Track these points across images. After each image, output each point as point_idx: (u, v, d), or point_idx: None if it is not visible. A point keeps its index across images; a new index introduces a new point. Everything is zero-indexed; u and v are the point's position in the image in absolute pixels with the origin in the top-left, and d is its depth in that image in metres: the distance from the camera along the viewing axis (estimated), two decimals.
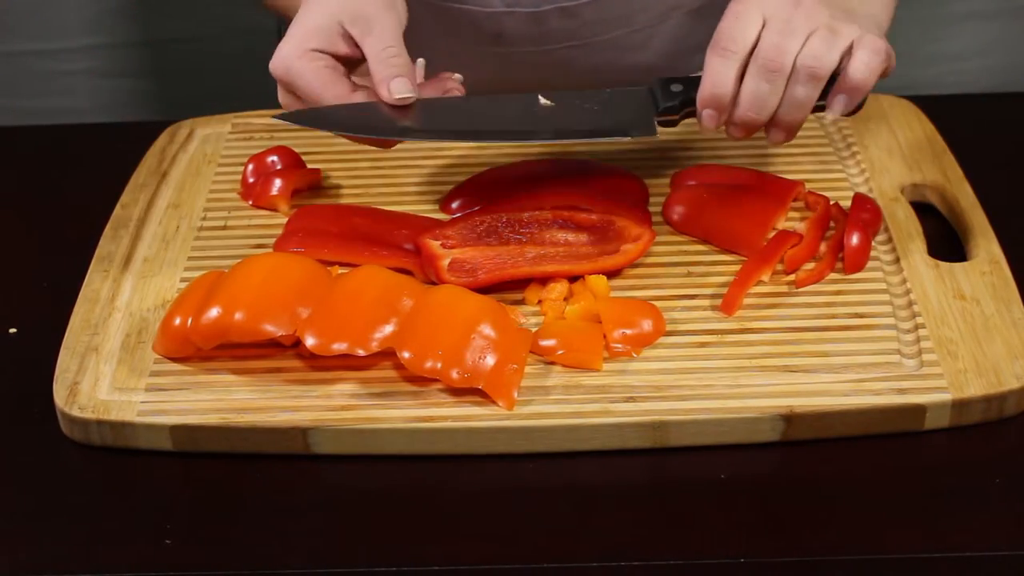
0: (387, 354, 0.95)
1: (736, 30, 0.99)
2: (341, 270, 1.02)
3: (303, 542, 0.87)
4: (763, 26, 0.99)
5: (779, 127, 1.02)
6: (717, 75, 0.99)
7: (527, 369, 0.95)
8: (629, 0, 1.20)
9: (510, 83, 1.24)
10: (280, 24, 1.39)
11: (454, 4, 1.20)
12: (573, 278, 1.02)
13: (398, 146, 1.20)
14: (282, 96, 1.03)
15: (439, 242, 1.03)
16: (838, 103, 1.01)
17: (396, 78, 1.00)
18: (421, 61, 1.07)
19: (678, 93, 1.04)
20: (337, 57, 1.01)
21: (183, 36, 1.72)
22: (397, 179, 1.16)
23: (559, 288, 1.01)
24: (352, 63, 1.03)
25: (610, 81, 1.25)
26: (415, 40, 1.24)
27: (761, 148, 1.18)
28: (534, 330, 0.98)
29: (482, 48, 1.22)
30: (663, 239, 1.07)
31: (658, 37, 1.22)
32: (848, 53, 1.00)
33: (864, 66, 1.00)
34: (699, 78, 1.02)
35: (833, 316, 0.99)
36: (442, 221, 1.08)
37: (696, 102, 1.02)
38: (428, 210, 1.12)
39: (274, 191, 1.12)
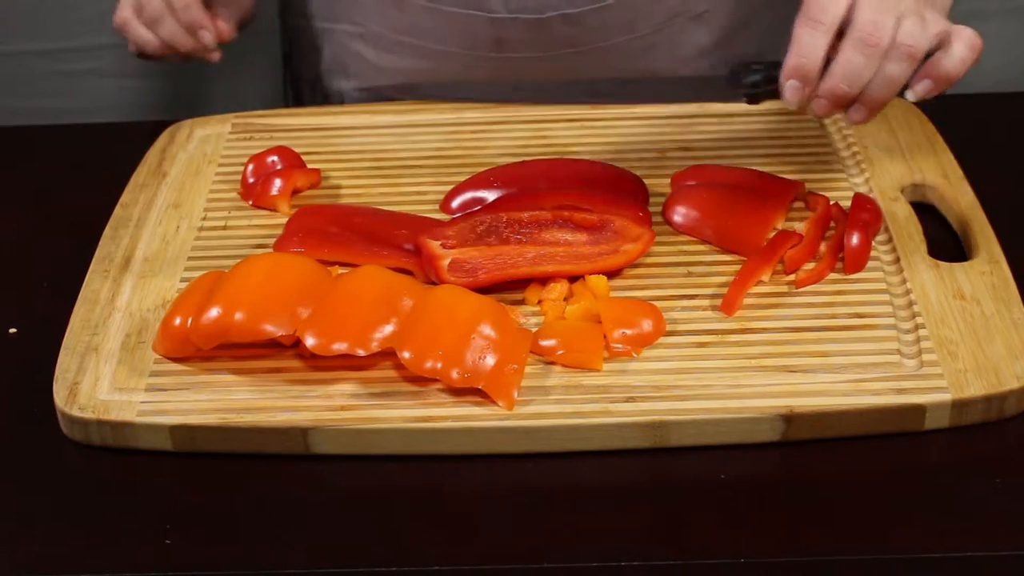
0: (387, 354, 0.95)
1: (826, 1, 0.98)
2: (341, 270, 1.02)
3: (303, 542, 0.87)
4: (853, 2, 0.98)
5: (864, 104, 1.01)
6: (806, 46, 0.98)
7: (527, 369, 0.95)
8: (631, 7, 1.20)
9: (511, 87, 1.24)
10: (283, 24, 1.39)
11: (456, 8, 1.20)
12: (573, 278, 1.02)
13: (398, 146, 1.20)
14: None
15: (439, 242, 1.03)
16: (923, 87, 1.01)
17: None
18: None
19: (759, 70, 1.03)
20: None
21: None
22: (397, 179, 1.16)
23: (559, 288, 1.01)
24: None
25: (612, 87, 1.25)
26: (417, 44, 1.24)
27: (761, 148, 1.18)
28: (534, 330, 0.98)
29: (484, 53, 1.22)
30: (663, 239, 1.07)
31: (660, 43, 1.22)
32: (941, 40, 0.99)
33: (959, 60, 0.99)
34: (777, 63, 1.01)
35: (833, 316, 0.99)
36: (442, 221, 1.08)
37: (780, 76, 1.00)
38: (428, 210, 1.12)
39: (274, 191, 1.12)
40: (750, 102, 1.04)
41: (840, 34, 0.98)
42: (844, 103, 1.00)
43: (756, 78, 1.03)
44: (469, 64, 1.23)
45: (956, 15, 1.02)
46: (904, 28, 0.98)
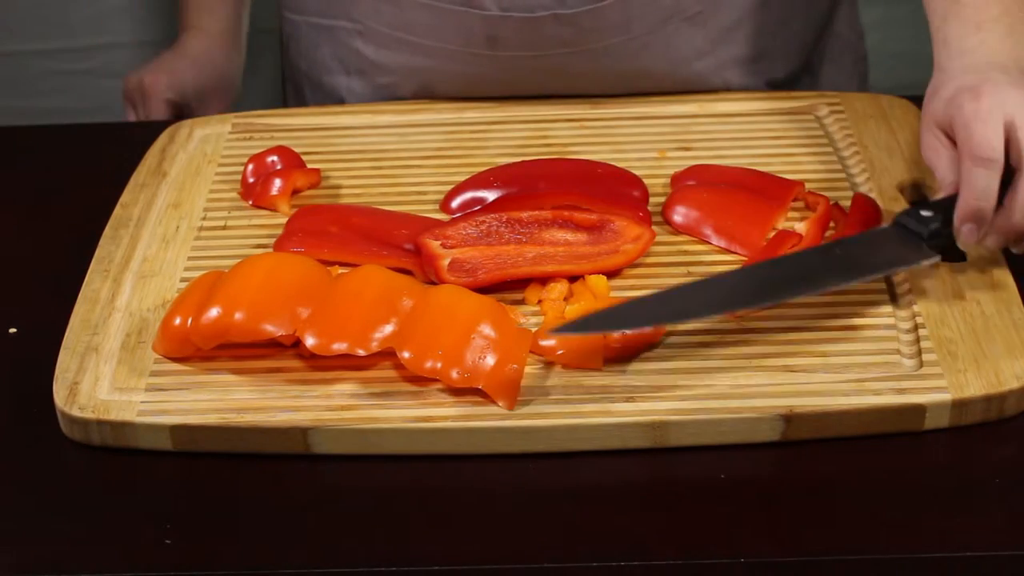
0: (387, 354, 0.95)
1: (986, 135, 0.95)
2: (341, 270, 1.02)
3: (303, 542, 0.87)
4: (1011, 125, 0.95)
5: None
6: (980, 188, 0.95)
7: (527, 369, 0.95)
8: (625, 8, 1.20)
9: (505, 86, 1.24)
10: (280, 22, 1.39)
11: (450, 5, 1.20)
12: (573, 278, 1.02)
13: (398, 146, 1.20)
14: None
15: (439, 242, 1.03)
16: None
17: None
18: None
19: (933, 219, 0.99)
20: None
21: None
22: (397, 179, 1.16)
23: (559, 288, 1.01)
24: None
25: (607, 87, 1.24)
26: (414, 41, 1.24)
27: (761, 148, 1.18)
28: (534, 330, 0.98)
29: (478, 51, 1.22)
30: (663, 239, 1.07)
31: (655, 44, 1.22)
32: None
33: None
34: (944, 200, 0.99)
35: (833, 316, 0.99)
36: (442, 221, 1.08)
37: (955, 219, 0.97)
38: (428, 210, 1.12)
39: (274, 191, 1.12)
40: (946, 259, 1.00)
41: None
42: (1019, 236, 0.98)
43: (936, 226, 0.99)
44: (465, 61, 1.23)
45: None
46: None
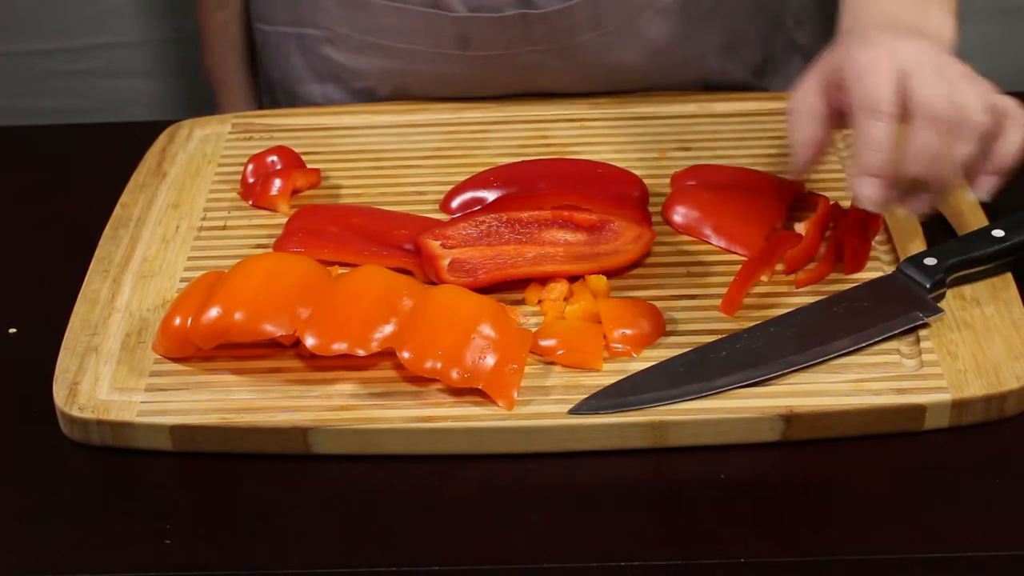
0: (387, 354, 0.95)
1: (874, 85, 0.93)
2: (341, 270, 1.02)
3: (303, 542, 0.87)
4: (902, 76, 0.93)
5: (934, 190, 0.96)
6: (876, 140, 0.93)
7: (527, 369, 0.95)
8: (595, 5, 1.19)
9: (479, 85, 1.24)
10: (250, 32, 1.39)
11: (418, 7, 1.20)
12: (573, 278, 1.02)
13: (398, 146, 1.20)
14: None
15: (439, 242, 1.03)
16: (989, 183, 0.97)
17: None
18: None
19: (934, 267, 0.99)
20: None
21: (183, 36, 1.72)
22: (397, 179, 1.16)
23: (559, 288, 1.01)
24: None
25: (583, 82, 1.24)
26: (384, 44, 1.24)
27: (761, 148, 1.18)
28: (534, 330, 0.98)
29: (449, 51, 1.22)
30: (663, 239, 1.07)
31: (629, 38, 1.21)
32: (995, 117, 0.95)
33: (1015, 145, 0.96)
34: (946, 246, 0.99)
35: None
36: (442, 221, 1.08)
37: (852, 179, 0.95)
38: (428, 210, 1.12)
39: (274, 191, 1.12)
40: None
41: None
42: (916, 189, 0.95)
43: (940, 276, 0.99)
44: (437, 62, 1.22)
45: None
46: (965, 101, 0.93)
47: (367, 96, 1.28)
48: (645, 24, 1.21)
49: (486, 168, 1.15)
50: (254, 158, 1.16)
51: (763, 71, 1.31)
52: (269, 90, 1.38)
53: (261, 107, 1.42)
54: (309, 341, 0.94)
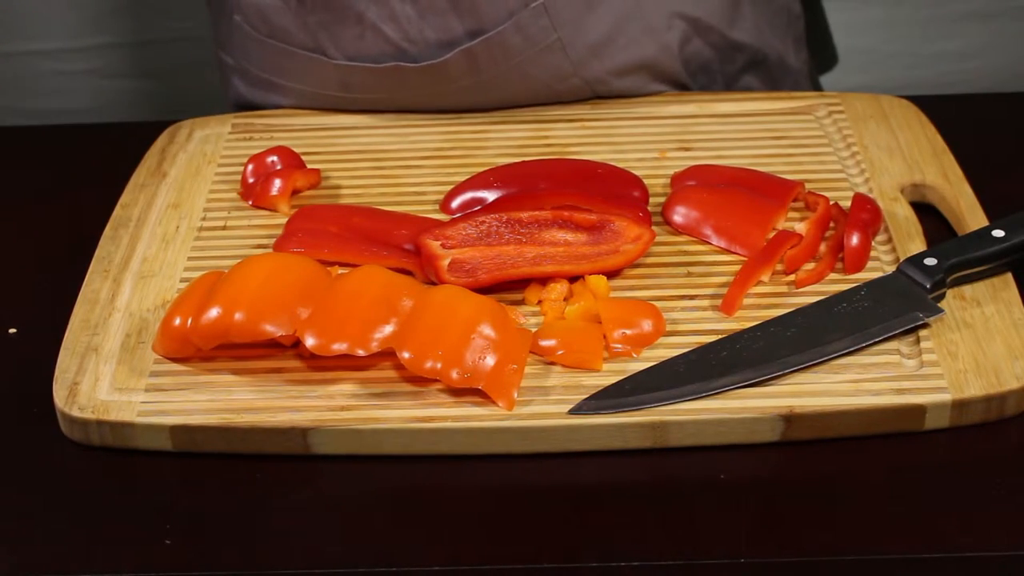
0: (387, 354, 0.95)
1: None
2: (341, 270, 1.02)
3: (303, 542, 0.87)
4: None
5: None
6: None
7: (527, 369, 0.95)
8: (469, 57, 1.17)
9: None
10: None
11: (301, 51, 1.20)
12: (573, 278, 1.02)
13: (398, 146, 1.20)
14: None
15: (439, 242, 1.03)
16: None
17: None
18: None
19: (934, 267, 0.99)
20: None
21: (183, 36, 1.72)
22: (397, 179, 1.16)
23: (559, 288, 1.01)
24: None
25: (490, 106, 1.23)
26: (274, 82, 1.24)
27: (761, 148, 1.18)
28: (534, 330, 0.98)
29: (335, 94, 1.22)
30: (663, 239, 1.07)
31: (514, 77, 1.19)
32: None
33: None
34: (946, 246, 0.99)
35: None
36: (442, 221, 1.08)
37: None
38: (428, 210, 1.12)
39: (274, 191, 1.12)
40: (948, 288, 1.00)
41: None
42: None
43: (940, 276, 0.98)
44: (325, 102, 1.23)
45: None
46: None
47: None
48: (529, 63, 1.19)
49: (486, 168, 1.15)
50: (254, 158, 1.16)
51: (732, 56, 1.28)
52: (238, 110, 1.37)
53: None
54: (309, 341, 0.94)
